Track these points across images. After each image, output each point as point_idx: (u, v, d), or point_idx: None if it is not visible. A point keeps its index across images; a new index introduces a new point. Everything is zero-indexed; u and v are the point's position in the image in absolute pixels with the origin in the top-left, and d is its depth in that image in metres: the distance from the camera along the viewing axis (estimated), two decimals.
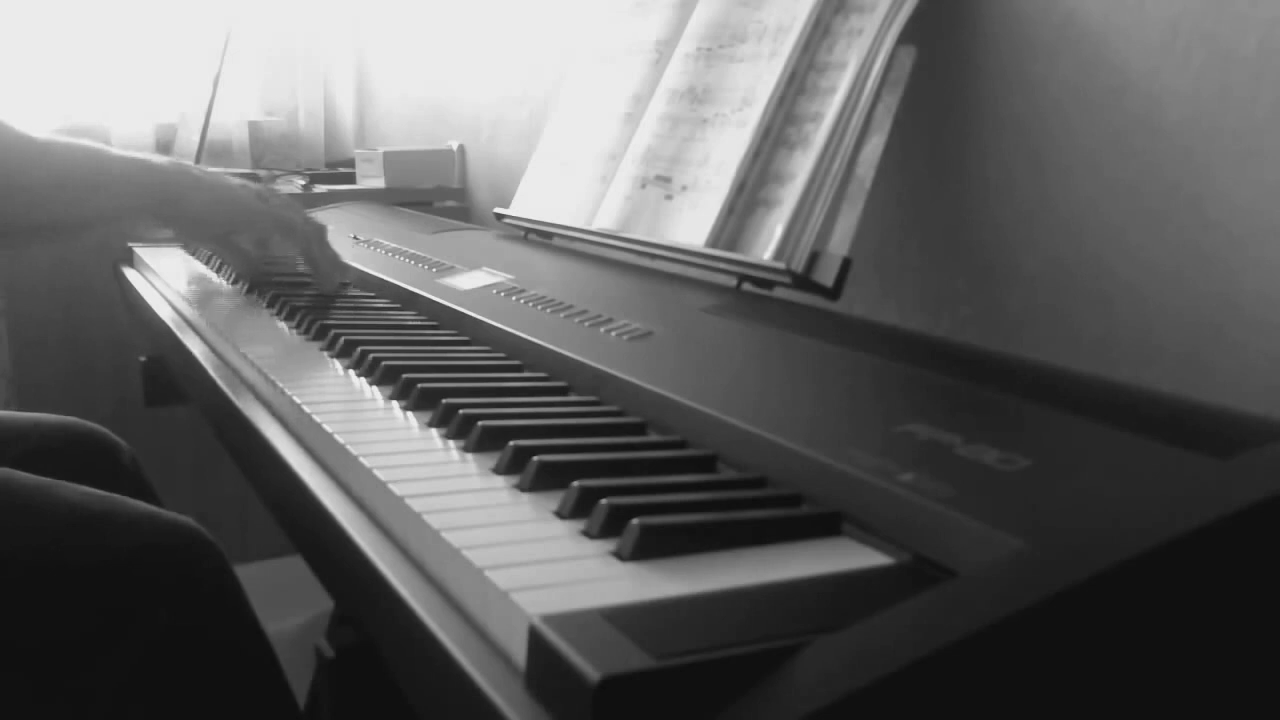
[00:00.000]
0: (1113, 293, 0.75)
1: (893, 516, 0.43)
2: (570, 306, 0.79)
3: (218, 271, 1.15)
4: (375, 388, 0.68)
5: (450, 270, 1.00)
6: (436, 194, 1.77)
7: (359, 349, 0.74)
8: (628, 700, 0.31)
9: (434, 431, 0.59)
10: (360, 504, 0.52)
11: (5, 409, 1.13)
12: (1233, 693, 0.37)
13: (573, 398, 0.65)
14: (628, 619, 0.35)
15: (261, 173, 1.87)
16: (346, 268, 1.04)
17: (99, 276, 1.45)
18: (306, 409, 0.62)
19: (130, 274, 1.25)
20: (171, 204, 0.96)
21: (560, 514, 0.46)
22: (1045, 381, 0.55)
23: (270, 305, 0.96)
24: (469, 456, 0.54)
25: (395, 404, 0.64)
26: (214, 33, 1.90)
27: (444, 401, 0.60)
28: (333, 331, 0.80)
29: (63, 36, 2.06)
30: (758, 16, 0.93)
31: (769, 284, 0.82)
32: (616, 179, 1.02)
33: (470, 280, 0.95)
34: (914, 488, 0.43)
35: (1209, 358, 0.69)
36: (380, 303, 0.98)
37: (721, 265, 0.85)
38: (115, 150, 0.97)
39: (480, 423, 0.56)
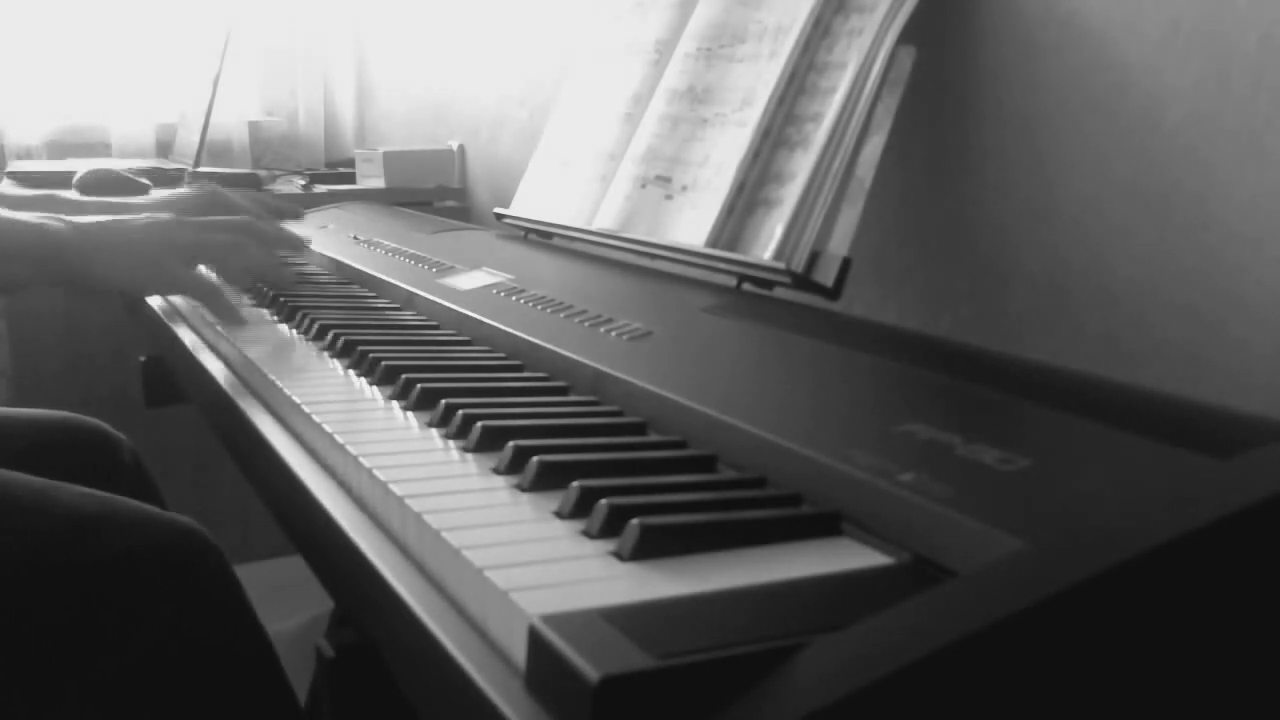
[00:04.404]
0: (1114, 291, 0.75)
1: (893, 516, 0.43)
2: (570, 306, 0.79)
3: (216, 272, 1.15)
4: (375, 388, 0.68)
5: (450, 270, 1.00)
6: (436, 194, 1.77)
7: (359, 349, 0.74)
8: (627, 700, 0.31)
9: (434, 431, 0.59)
10: (360, 504, 0.52)
11: (4, 407, 1.13)
12: (1233, 693, 0.37)
13: (573, 398, 0.65)
14: (628, 619, 0.35)
15: (262, 173, 1.88)
16: (291, 268, 0.98)
17: None
18: (306, 409, 0.62)
19: None
20: (74, 275, 0.87)
21: (560, 514, 0.46)
22: (1045, 381, 0.55)
23: (270, 305, 0.96)
24: (469, 456, 0.54)
25: (395, 404, 0.64)
26: (214, 33, 1.90)
27: (444, 401, 0.60)
28: (333, 331, 0.80)
29: (63, 36, 2.06)
30: (758, 16, 0.93)
31: (769, 284, 0.82)
32: (616, 179, 1.02)
33: (470, 280, 0.95)
34: (914, 488, 0.43)
35: (1211, 356, 0.69)
36: (380, 303, 0.98)
37: (721, 265, 0.85)
38: (8, 215, 0.87)
39: (480, 423, 0.56)
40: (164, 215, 0.92)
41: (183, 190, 1.04)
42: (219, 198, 1.03)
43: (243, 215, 0.99)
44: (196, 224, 0.92)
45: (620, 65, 1.09)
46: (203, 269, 0.95)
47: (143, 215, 0.91)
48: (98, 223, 0.88)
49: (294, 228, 1.06)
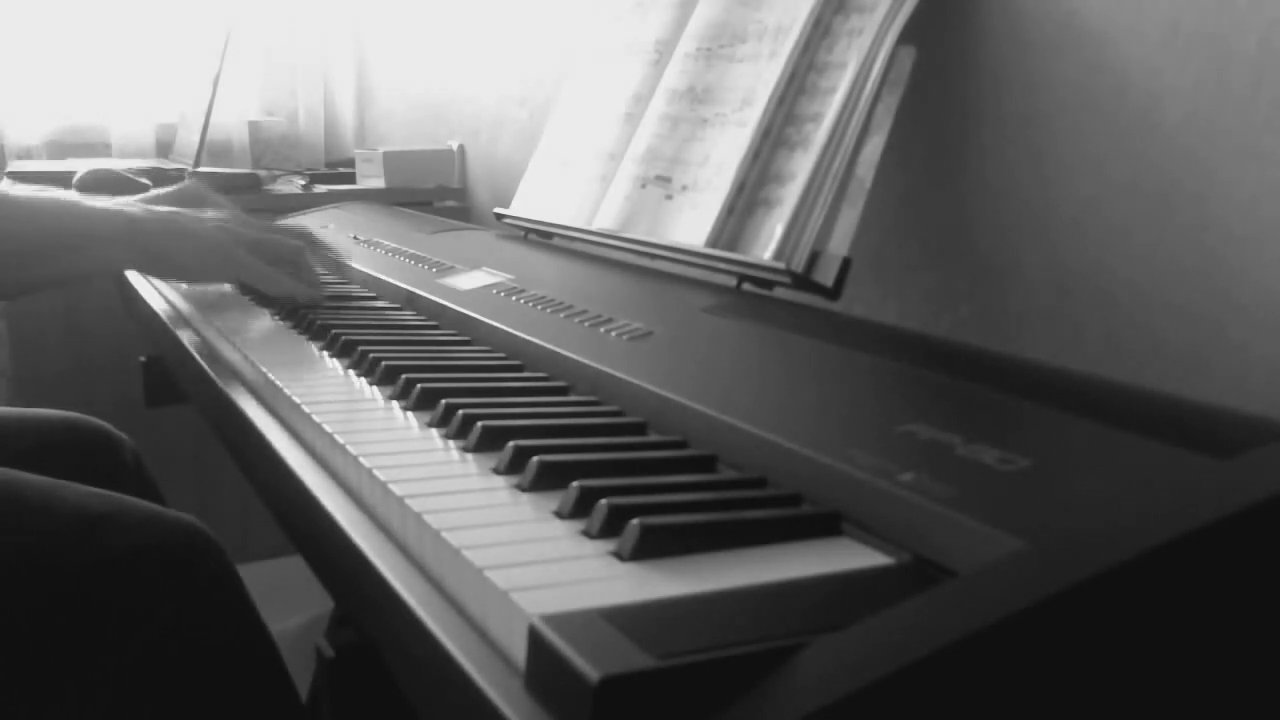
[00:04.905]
0: (1113, 292, 0.75)
1: (893, 516, 0.43)
2: (570, 306, 0.79)
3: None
4: (375, 388, 0.68)
5: (450, 270, 1.00)
6: (436, 194, 1.77)
7: (359, 349, 0.74)
8: (627, 700, 0.31)
9: (434, 431, 0.59)
10: (360, 504, 0.52)
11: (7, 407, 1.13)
12: (1233, 693, 0.37)
13: (573, 398, 0.65)
14: (627, 619, 0.35)
15: (262, 173, 1.88)
16: (320, 283, 1.02)
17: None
18: (306, 409, 0.62)
19: (130, 273, 1.25)
20: (156, 259, 0.93)
21: (560, 514, 0.46)
22: (1045, 381, 0.55)
23: (270, 305, 0.96)
24: (469, 456, 0.54)
25: (395, 404, 0.64)
26: (214, 33, 1.90)
27: (444, 401, 0.60)
28: (333, 331, 0.80)
29: (62, 36, 2.06)
30: (758, 16, 0.93)
31: (769, 284, 0.82)
32: (616, 179, 1.02)
33: (470, 280, 0.95)
34: (914, 488, 0.43)
35: (1210, 357, 0.69)
36: (380, 303, 0.98)
37: (721, 265, 0.85)
38: (99, 204, 0.92)
39: (480, 423, 0.56)
40: (224, 213, 0.98)
41: (169, 188, 1.06)
42: (201, 191, 1.04)
43: (226, 213, 1.00)
44: (257, 225, 0.98)
45: (620, 65, 1.09)
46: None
47: (205, 212, 0.97)
48: (172, 211, 0.94)
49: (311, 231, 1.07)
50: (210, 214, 0.97)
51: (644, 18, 1.09)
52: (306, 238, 1.04)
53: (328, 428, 0.58)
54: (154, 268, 0.98)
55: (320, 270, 1.02)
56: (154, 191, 1.05)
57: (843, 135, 0.80)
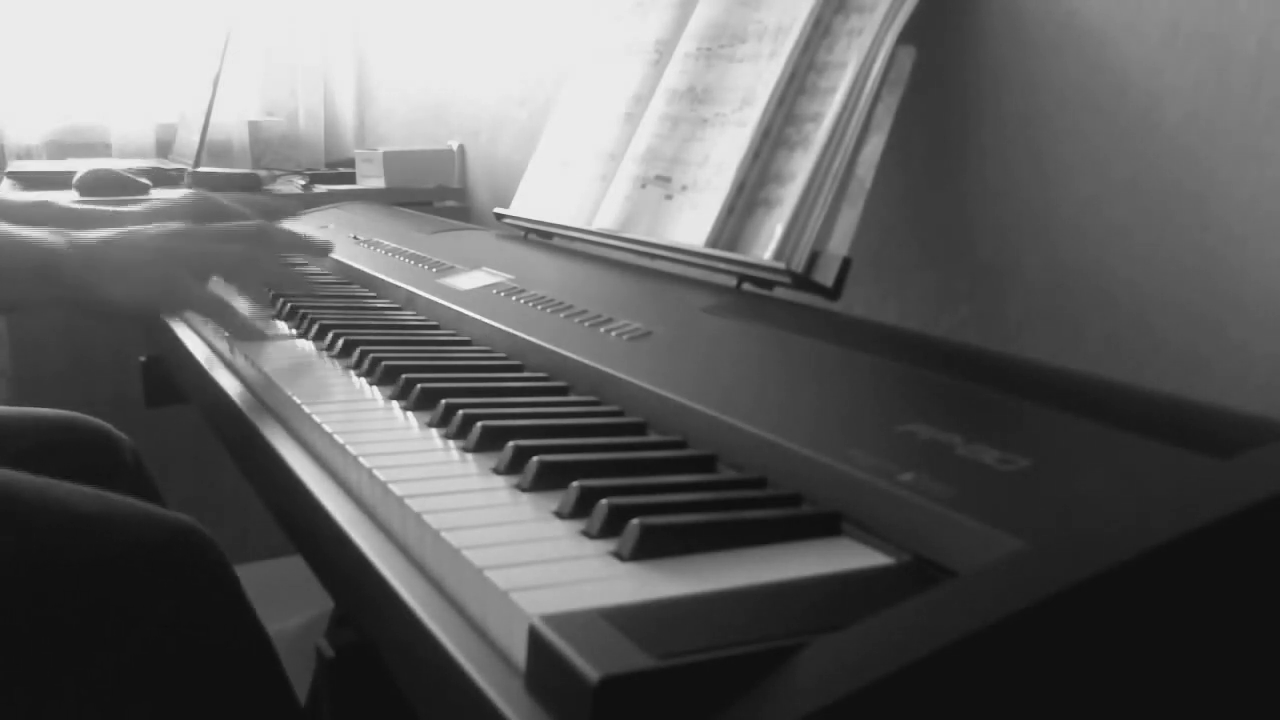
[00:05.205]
0: (1113, 292, 0.75)
1: (893, 516, 0.43)
2: (570, 306, 0.79)
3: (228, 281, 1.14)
4: (375, 388, 0.68)
5: (450, 270, 1.00)
6: (436, 194, 1.77)
7: (359, 349, 0.74)
8: (627, 700, 0.31)
9: (434, 431, 0.59)
10: (360, 504, 0.52)
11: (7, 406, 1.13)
12: (1233, 693, 0.37)
13: (573, 398, 0.65)
14: (627, 619, 0.35)
15: (262, 173, 1.87)
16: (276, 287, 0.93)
17: None
18: (306, 409, 0.62)
19: None
20: (73, 291, 0.80)
21: (560, 514, 0.46)
22: (1045, 381, 0.55)
23: (270, 305, 0.96)
24: (469, 456, 0.54)
25: (395, 404, 0.64)
26: (214, 33, 1.90)
27: (444, 401, 0.60)
28: (333, 331, 0.80)
29: (62, 37, 2.06)
30: (758, 16, 0.93)
31: (769, 284, 0.82)
32: (616, 179, 1.02)
33: (470, 280, 0.95)
34: (914, 488, 0.43)
35: (1210, 357, 0.69)
36: (380, 303, 0.98)
37: (721, 265, 0.85)
38: (20, 234, 0.80)
39: (480, 423, 0.56)
40: (173, 225, 0.87)
41: (175, 194, 1.01)
42: (210, 203, 1.00)
43: (240, 219, 0.96)
44: (207, 234, 0.87)
45: (620, 65, 1.09)
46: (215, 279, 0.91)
47: (151, 227, 0.86)
48: (103, 239, 0.83)
49: (310, 231, 1.04)
50: (153, 229, 0.85)
51: (644, 18, 1.09)
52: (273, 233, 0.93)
53: (327, 428, 0.58)
54: (77, 303, 0.83)
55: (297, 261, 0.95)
56: (156, 205, 1.00)
57: (843, 135, 0.80)
